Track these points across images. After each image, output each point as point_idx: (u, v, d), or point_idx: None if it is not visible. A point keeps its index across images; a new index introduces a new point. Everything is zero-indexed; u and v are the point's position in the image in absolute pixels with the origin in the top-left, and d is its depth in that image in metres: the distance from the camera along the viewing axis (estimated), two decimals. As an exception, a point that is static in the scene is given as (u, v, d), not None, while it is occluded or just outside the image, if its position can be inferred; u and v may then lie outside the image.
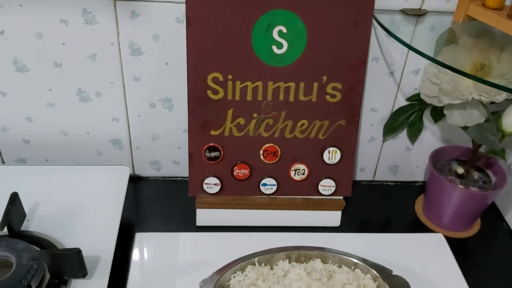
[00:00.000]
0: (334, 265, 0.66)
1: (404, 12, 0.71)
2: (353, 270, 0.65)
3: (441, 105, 0.71)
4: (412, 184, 0.90)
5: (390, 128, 0.81)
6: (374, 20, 0.69)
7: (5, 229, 0.62)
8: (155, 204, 0.82)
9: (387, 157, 0.87)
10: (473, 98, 0.66)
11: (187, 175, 0.74)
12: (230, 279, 0.64)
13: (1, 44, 0.70)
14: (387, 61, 0.75)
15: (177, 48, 0.71)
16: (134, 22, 0.69)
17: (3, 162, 0.83)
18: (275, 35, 0.66)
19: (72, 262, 0.59)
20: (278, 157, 0.73)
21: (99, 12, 0.68)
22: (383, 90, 0.78)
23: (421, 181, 0.90)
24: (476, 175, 0.78)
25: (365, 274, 0.65)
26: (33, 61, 0.72)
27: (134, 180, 0.86)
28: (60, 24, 0.68)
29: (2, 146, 0.81)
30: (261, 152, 0.73)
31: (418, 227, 0.80)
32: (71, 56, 0.71)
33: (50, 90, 0.75)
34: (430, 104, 0.74)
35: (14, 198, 0.64)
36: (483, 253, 0.77)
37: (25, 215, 0.67)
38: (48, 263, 0.59)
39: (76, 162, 0.82)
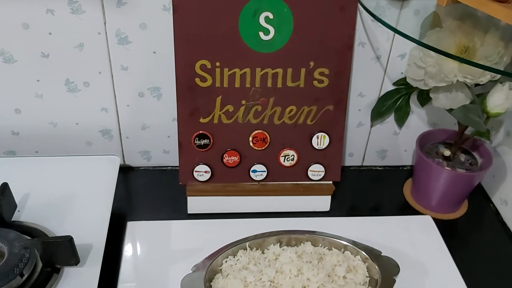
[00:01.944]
0: (324, 247, 0.67)
1: (389, -4, 0.71)
2: (343, 252, 0.66)
3: (427, 88, 0.72)
4: (400, 168, 0.91)
5: (378, 113, 0.82)
6: (359, 5, 0.69)
7: (-4, 220, 0.63)
8: (146, 193, 0.82)
9: (375, 142, 0.87)
10: (458, 80, 0.67)
11: (177, 164, 0.75)
12: (222, 263, 0.65)
13: (-13, 35, 0.70)
14: (373, 46, 0.76)
15: (164, 36, 0.71)
16: (120, 10, 0.69)
17: (-8, 155, 0.83)
18: (261, 21, 0.66)
19: (64, 250, 0.59)
20: (268, 144, 0.74)
21: (85, 1, 0.68)
22: (370, 75, 0.79)
23: (409, 165, 0.91)
24: (462, 157, 0.79)
25: (354, 256, 0.66)
26: (20, 52, 0.72)
27: (125, 171, 0.86)
28: (47, 14, 0.68)
29: (-9, 138, 0.81)
30: (250, 139, 0.73)
31: (407, 210, 0.81)
32: (59, 46, 0.71)
33: (38, 81, 0.75)
34: (417, 88, 0.75)
35: (4, 188, 0.64)
36: (471, 234, 0.79)
37: (15, 206, 0.67)
38: (40, 251, 0.59)
39: (65, 153, 0.82)
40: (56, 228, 0.65)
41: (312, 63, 0.69)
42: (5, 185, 0.65)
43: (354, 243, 0.67)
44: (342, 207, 0.81)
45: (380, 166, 0.91)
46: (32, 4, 0.67)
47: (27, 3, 0.67)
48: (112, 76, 0.75)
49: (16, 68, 0.73)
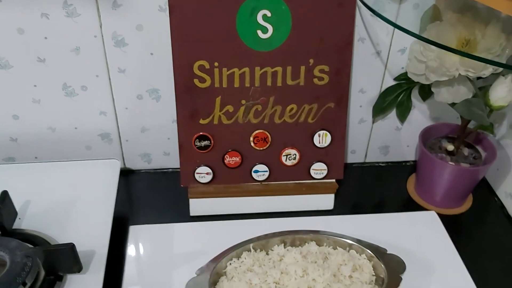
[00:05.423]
0: (329, 247, 0.67)
1: (387, -9, 0.71)
2: (348, 251, 0.66)
3: (428, 82, 0.72)
4: (404, 164, 0.90)
5: (379, 108, 0.82)
6: (358, 0, 0.69)
7: (-3, 228, 0.62)
8: (148, 196, 0.82)
9: (377, 138, 0.87)
10: (459, 74, 0.67)
11: (179, 166, 0.74)
12: (226, 266, 0.64)
13: (-18, 42, 0.69)
14: (373, 41, 0.75)
15: (161, 37, 0.70)
16: (116, 12, 0.68)
17: (-9, 162, 0.82)
18: (259, 19, 0.66)
19: (66, 257, 0.59)
20: (269, 143, 0.73)
21: (80, 4, 0.67)
22: (370, 71, 0.78)
23: (412, 161, 0.91)
24: (466, 151, 0.79)
25: (360, 255, 0.65)
26: (16, 58, 0.71)
27: (125, 174, 0.85)
28: (41, 18, 0.68)
29: (-11, 145, 0.80)
30: (251, 139, 0.73)
31: (411, 206, 0.81)
32: (55, 50, 0.71)
33: (35, 86, 0.74)
34: (418, 82, 0.75)
35: (4, 197, 0.63)
36: (476, 228, 0.78)
37: (16, 213, 0.66)
38: (42, 259, 0.59)
39: (65, 158, 0.81)
40: (58, 235, 0.65)
41: (311, 61, 0.69)
42: (5, 193, 0.64)
43: (359, 241, 0.66)
44: (345, 205, 0.80)
45: (383, 162, 0.90)
46: (26, 9, 0.67)
47: (21, 8, 0.67)
48: (109, 79, 0.75)
49: (13, 74, 0.72)
